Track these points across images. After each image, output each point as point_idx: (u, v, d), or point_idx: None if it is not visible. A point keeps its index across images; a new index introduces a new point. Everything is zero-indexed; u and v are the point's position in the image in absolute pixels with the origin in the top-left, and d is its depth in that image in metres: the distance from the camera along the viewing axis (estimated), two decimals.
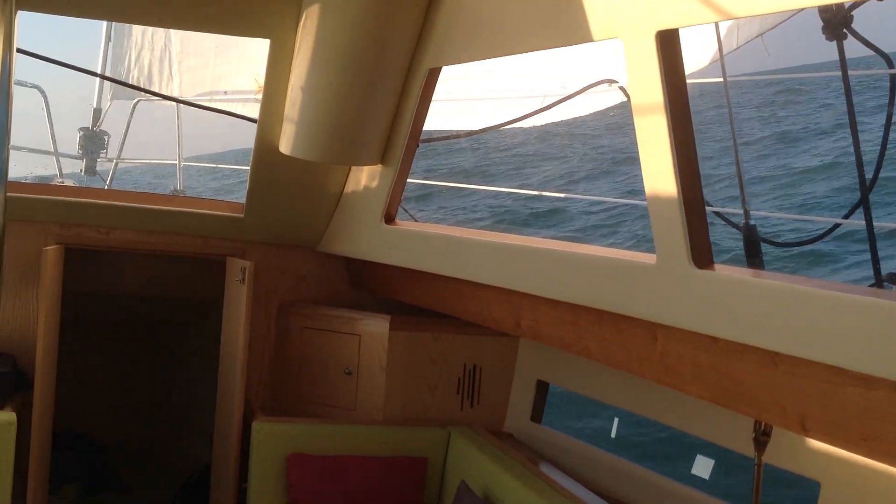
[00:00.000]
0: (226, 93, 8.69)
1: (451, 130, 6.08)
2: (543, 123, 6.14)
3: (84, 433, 6.11)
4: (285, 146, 4.02)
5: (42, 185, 5.25)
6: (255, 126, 4.18)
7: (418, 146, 3.90)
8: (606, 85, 4.99)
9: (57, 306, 4.50)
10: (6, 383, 4.28)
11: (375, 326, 4.52)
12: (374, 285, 4.81)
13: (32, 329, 4.41)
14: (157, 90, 8.70)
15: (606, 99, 6.18)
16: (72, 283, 4.69)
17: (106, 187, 8.28)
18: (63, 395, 4.61)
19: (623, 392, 3.88)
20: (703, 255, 2.56)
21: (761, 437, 2.93)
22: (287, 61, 3.75)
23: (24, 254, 4.48)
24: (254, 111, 4.16)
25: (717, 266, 2.57)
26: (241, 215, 4.70)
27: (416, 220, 4.69)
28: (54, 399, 4.54)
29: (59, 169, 8.55)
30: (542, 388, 4.47)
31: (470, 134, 5.59)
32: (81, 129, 8.68)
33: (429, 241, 3.90)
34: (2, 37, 2.00)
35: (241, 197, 4.77)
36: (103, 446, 6.17)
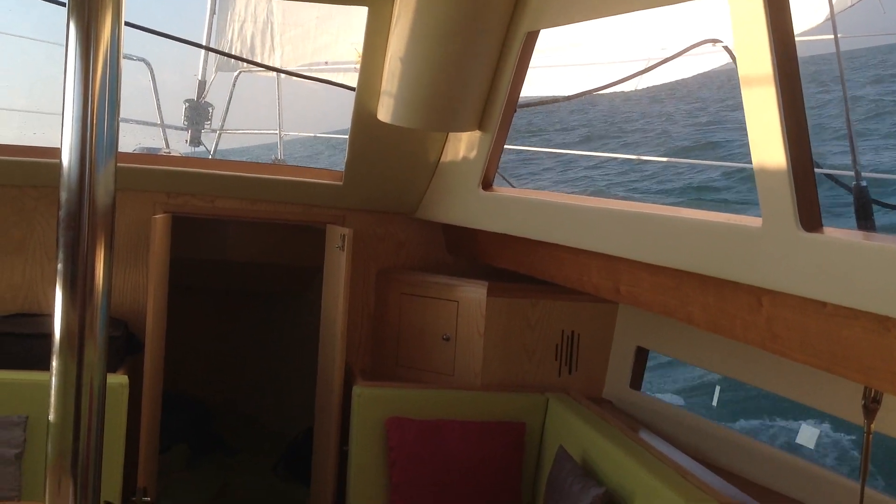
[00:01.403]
0: (326, 63, 8.80)
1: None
2: (645, 87, 6.03)
3: (191, 396, 6.33)
4: (383, 114, 4.04)
5: (151, 156, 5.41)
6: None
7: (515, 111, 3.88)
8: (710, 45, 4.85)
9: (165, 273, 4.64)
10: (118, 347, 4.45)
11: (473, 293, 4.53)
12: (471, 251, 4.82)
13: (142, 295, 4.56)
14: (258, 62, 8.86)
15: (711, 60, 6.03)
16: (178, 250, 4.84)
17: (210, 157, 8.49)
18: (171, 359, 4.77)
19: (726, 359, 3.80)
20: (811, 217, 2.48)
21: (871, 405, 2.84)
22: (385, 29, 3.76)
23: (135, 223, 4.64)
24: (354, 80, 4.18)
25: (826, 229, 2.48)
26: (341, 183, 4.76)
27: (512, 186, 4.67)
28: (164, 363, 4.70)
29: (165, 140, 8.82)
30: (641, 354, 4.43)
31: (568, 98, 5.53)
32: (187, 100, 8.92)
33: (527, 206, 3.88)
34: (111, 10, 2.04)
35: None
36: (209, 409, 6.38)
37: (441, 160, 4.49)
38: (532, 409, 4.34)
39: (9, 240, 4.63)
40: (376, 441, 4.24)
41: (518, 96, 3.80)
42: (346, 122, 4.40)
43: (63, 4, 2.57)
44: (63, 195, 2.09)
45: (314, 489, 4.79)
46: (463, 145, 4.24)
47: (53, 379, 2.12)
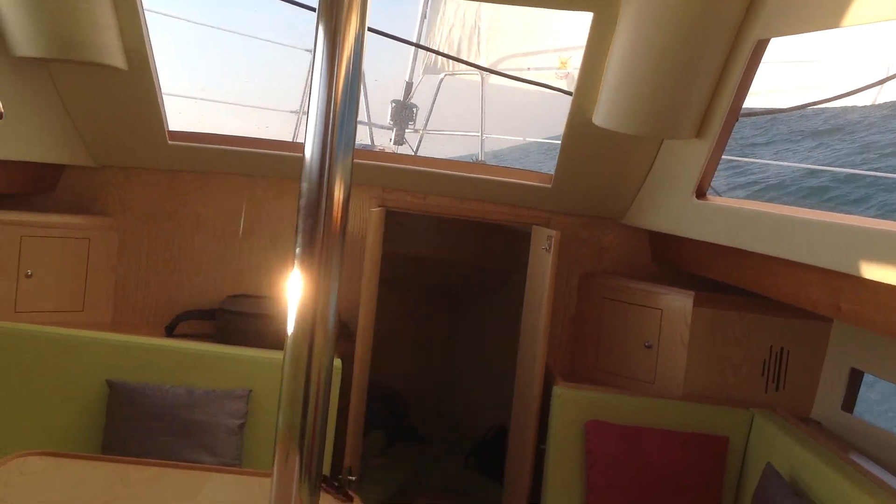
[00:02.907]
0: (528, 69, 8.92)
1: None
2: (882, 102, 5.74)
3: (389, 386, 6.57)
4: (600, 119, 4.08)
5: (370, 152, 5.66)
6: (557, 103, 4.27)
7: (738, 120, 3.82)
8: None
9: (378, 265, 4.86)
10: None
11: (678, 301, 4.49)
12: (678, 260, 4.78)
13: (353, 284, 4.77)
14: (464, 67, 9.08)
15: None
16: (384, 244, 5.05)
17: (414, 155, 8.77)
18: (373, 348, 4.97)
19: None
20: None
21: None
22: (608, 34, 3.79)
23: (353, 216, 4.87)
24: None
25: None
26: (549, 186, 4.82)
27: (720, 195, 4.59)
28: (371, 351, 4.91)
29: (371, 138, 9.17)
30: (855, 376, 4.25)
31: (795, 109, 5.38)
32: (394, 101, 9.25)
33: (743, 217, 3.81)
34: (356, 16, 2.18)
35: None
36: (405, 400, 6.61)
37: (654, 166, 4.48)
38: (736, 423, 4.26)
39: (238, 226, 4.98)
40: (574, 443, 4.27)
41: (741, 105, 3.74)
42: (544, 130, 4.47)
43: (312, 10, 2.76)
44: (304, 185, 2.25)
45: (508, 485, 4.88)
46: (678, 152, 4.21)
47: (286, 357, 2.29)
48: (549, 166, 5.02)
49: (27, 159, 4.39)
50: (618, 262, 5.08)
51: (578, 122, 4.27)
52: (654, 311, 4.57)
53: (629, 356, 4.67)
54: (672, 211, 4.35)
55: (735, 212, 3.89)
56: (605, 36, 3.83)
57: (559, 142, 4.54)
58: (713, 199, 4.11)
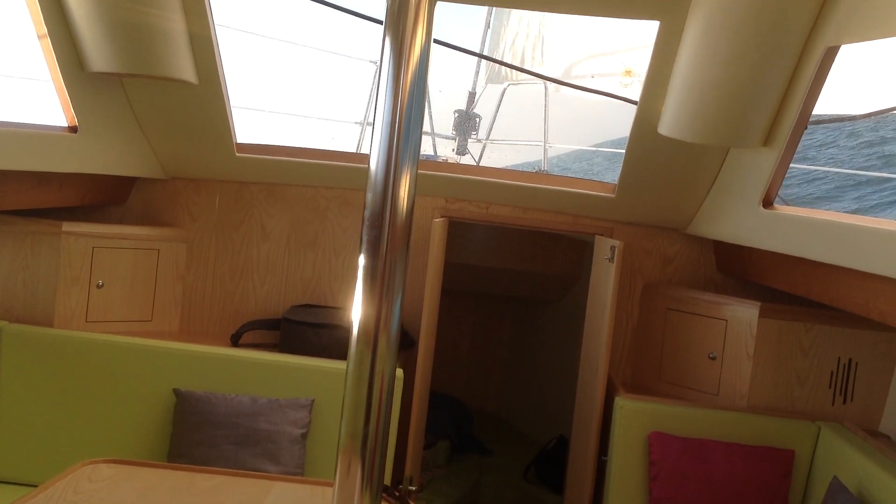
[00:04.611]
0: (592, 76, 8.89)
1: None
2: None
3: (455, 396, 6.59)
4: (665, 128, 4.04)
5: (434, 162, 5.69)
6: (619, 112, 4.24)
7: (806, 128, 3.76)
8: None
9: (440, 275, 4.88)
10: None
11: (743, 312, 4.43)
12: (744, 270, 4.71)
13: (416, 294, 4.80)
14: (527, 76, 9.08)
15: None
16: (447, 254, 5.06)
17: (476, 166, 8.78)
18: (435, 358, 4.99)
19: None
20: None
21: None
22: (675, 42, 3.76)
23: (416, 226, 4.90)
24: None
25: None
26: (613, 195, 4.80)
27: (787, 204, 4.52)
28: (433, 361, 4.93)
29: (434, 148, 9.21)
30: None
31: (867, 116, 5.27)
32: (456, 111, 9.27)
33: (811, 226, 3.75)
34: (422, 28, 2.19)
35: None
36: (469, 410, 6.61)
37: (720, 175, 4.42)
38: (802, 436, 4.18)
39: (303, 236, 5.04)
40: (637, 454, 4.24)
41: (811, 113, 3.68)
42: (607, 137, 4.45)
43: (379, 22, 2.79)
44: (369, 196, 2.26)
45: (569, 496, 4.85)
46: (745, 161, 4.16)
47: (350, 365, 2.30)
48: (612, 175, 4.99)
49: (102, 172, 4.51)
50: (682, 272, 5.02)
51: (643, 132, 4.25)
52: (718, 322, 4.52)
53: (693, 367, 4.61)
54: (738, 220, 4.29)
55: (803, 221, 3.83)
56: (671, 44, 3.80)
57: (621, 150, 4.52)
58: (780, 209, 4.05)
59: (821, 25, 3.37)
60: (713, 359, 4.52)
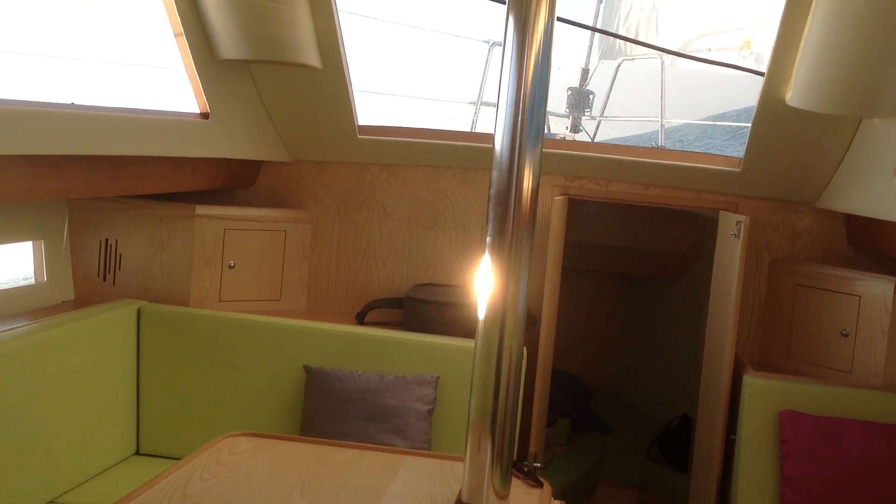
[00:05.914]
0: (709, 50, 8.69)
1: None
2: None
3: (573, 374, 6.57)
4: (794, 99, 3.93)
5: (551, 140, 5.66)
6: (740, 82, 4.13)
7: None
8: None
9: (561, 253, 4.87)
10: None
11: (878, 288, 4.28)
12: (877, 244, 4.55)
13: (537, 271, 4.80)
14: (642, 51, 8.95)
15: None
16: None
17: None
18: (556, 336, 4.98)
19: None
20: None
21: None
22: (804, 11, 3.65)
23: (542, 206, 4.87)
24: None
25: None
26: (738, 169, 4.69)
27: None
28: (555, 339, 4.93)
29: (547, 126, 9.17)
30: None
31: None
32: (569, 88, 9.21)
33: None
34: (546, 7, 2.20)
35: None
36: (589, 388, 6.59)
37: (851, 146, 4.28)
38: None
39: (424, 216, 5.10)
40: (767, 433, 4.16)
41: None
42: (715, 108, 4.34)
43: (502, 2, 2.80)
44: (494, 174, 2.28)
45: (696, 475, 4.80)
46: (879, 131, 4.01)
47: (478, 342, 2.33)
48: (733, 149, 4.87)
49: (231, 156, 4.66)
50: (812, 247, 4.88)
51: (771, 103, 4.14)
52: (851, 298, 4.38)
53: (824, 345, 4.49)
54: (871, 193, 4.14)
55: None
56: (800, 13, 3.69)
57: (740, 124, 4.41)
58: None
59: None
60: (846, 335, 4.39)
